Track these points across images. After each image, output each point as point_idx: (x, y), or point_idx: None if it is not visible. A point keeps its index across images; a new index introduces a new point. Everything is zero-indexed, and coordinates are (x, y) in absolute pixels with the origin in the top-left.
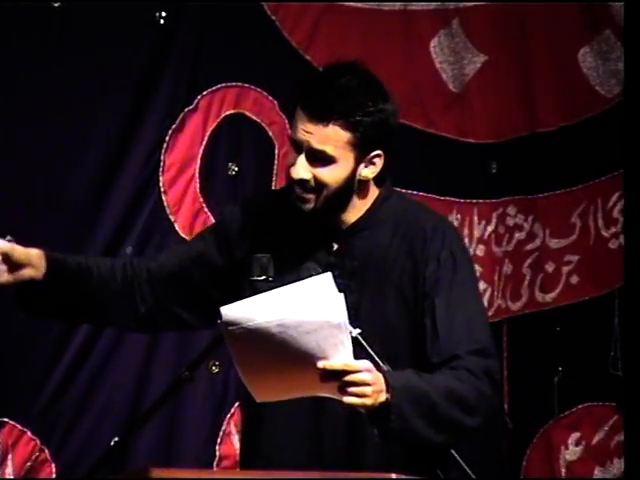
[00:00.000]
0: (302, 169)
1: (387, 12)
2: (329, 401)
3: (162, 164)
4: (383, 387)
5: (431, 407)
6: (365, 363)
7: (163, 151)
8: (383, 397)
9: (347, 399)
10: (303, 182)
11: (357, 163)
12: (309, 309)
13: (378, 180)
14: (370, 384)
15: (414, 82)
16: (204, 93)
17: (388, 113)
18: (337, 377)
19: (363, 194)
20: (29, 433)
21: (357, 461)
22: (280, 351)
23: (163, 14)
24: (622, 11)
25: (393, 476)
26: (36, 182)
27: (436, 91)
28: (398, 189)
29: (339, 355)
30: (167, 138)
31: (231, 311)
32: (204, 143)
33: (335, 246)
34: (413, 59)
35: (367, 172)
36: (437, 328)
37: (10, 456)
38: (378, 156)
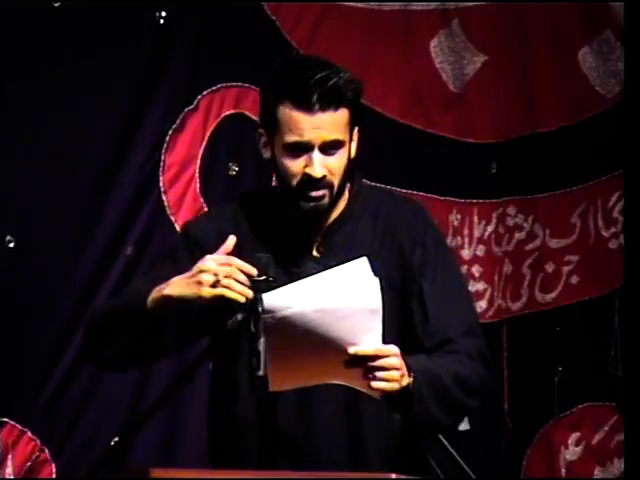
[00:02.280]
0: (320, 167)
1: (387, 12)
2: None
3: (162, 164)
4: (405, 371)
5: (444, 390)
6: (394, 348)
7: (163, 151)
8: (405, 382)
9: (376, 384)
10: (322, 179)
11: (350, 142)
12: (347, 294)
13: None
14: (398, 368)
15: (414, 82)
16: (204, 93)
17: (360, 82)
18: (364, 362)
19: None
20: (29, 433)
21: (355, 463)
22: (313, 337)
23: (163, 14)
24: (622, 11)
25: (393, 476)
26: (36, 182)
27: (436, 91)
28: (398, 189)
29: (369, 340)
30: (167, 138)
31: (272, 298)
32: (204, 143)
33: (317, 243)
34: (413, 59)
35: (353, 150)
36: (427, 312)
37: (10, 456)
38: (358, 131)
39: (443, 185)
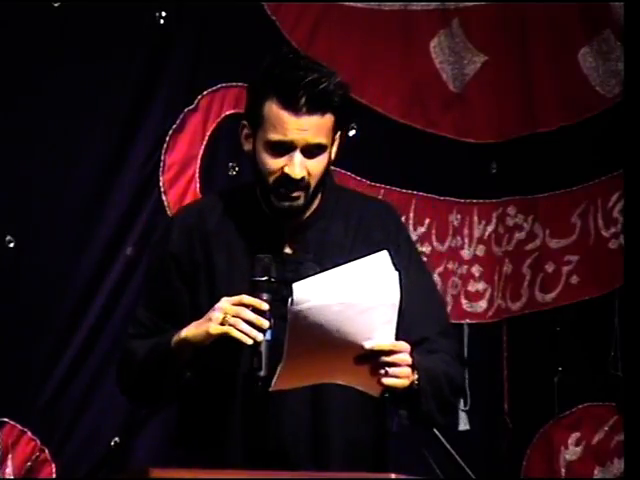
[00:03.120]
0: (300, 168)
1: (387, 12)
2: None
3: (162, 164)
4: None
5: (440, 389)
6: (406, 344)
7: (163, 151)
8: (411, 379)
9: (387, 380)
10: (301, 180)
11: (332, 145)
12: (369, 288)
13: None
14: (410, 365)
15: (414, 82)
16: (204, 93)
17: (348, 87)
18: (376, 358)
19: None
20: (29, 433)
21: (321, 464)
22: (333, 331)
23: (163, 14)
24: (622, 11)
25: (393, 476)
26: (36, 182)
27: (436, 91)
28: (398, 189)
29: (383, 334)
30: (167, 138)
31: (302, 289)
32: (204, 143)
33: (289, 240)
34: (413, 59)
35: (334, 153)
36: (402, 309)
37: (10, 456)
38: (340, 135)
39: (443, 185)
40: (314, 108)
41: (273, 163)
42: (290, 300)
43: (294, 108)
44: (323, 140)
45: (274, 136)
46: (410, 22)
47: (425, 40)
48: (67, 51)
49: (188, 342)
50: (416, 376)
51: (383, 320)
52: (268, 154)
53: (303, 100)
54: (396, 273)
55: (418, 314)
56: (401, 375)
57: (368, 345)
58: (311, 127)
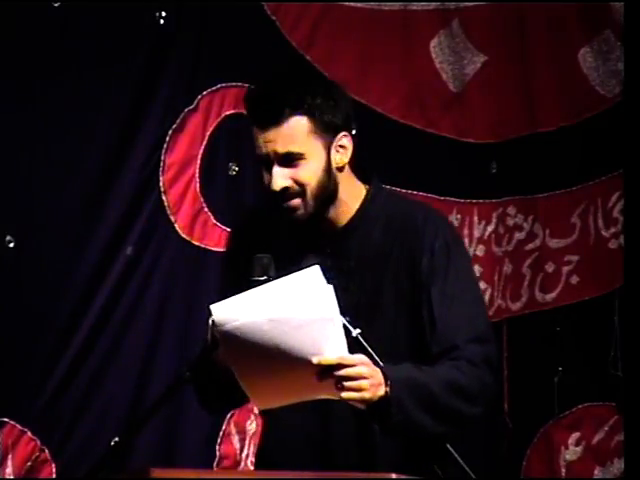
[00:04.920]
0: (280, 178)
1: (387, 12)
2: (335, 404)
3: (162, 164)
4: (382, 380)
5: (431, 398)
6: (360, 357)
7: (163, 151)
8: (382, 391)
9: (345, 394)
10: (286, 191)
11: (328, 151)
12: (299, 303)
13: (365, 177)
14: (367, 377)
15: (414, 82)
16: (204, 93)
17: (334, 88)
18: (333, 373)
19: (350, 191)
20: (29, 433)
21: (368, 463)
22: (273, 349)
23: (163, 14)
24: (622, 11)
25: (393, 476)
26: (36, 182)
27: (436, 91)
28: (398, 189)
29: (332, 349)
30: (167, 138)
31: (221, 309)
32: (204, 143)
33: (329, 248)
34: (413, 59)
35: (340, 157)
36: (434, 318)
37: (10, 456)
38: (345, 137)
39: (443, 185)
40: (275, 118)
41: (265, 179)
42: (211, 322)
43: (259, 123)
44: (295, 147)
45: (256, 152)
46: (410, 22)
47: (425, 40)
48: (67, 51)
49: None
50: (387, 388)
51: (327, 335)
52: (263, 171)
53: (262, 113)
54: (330, 287)
55: (450, 322)
56: (357, 388)
57: (315, 360)
58: (277, 137)
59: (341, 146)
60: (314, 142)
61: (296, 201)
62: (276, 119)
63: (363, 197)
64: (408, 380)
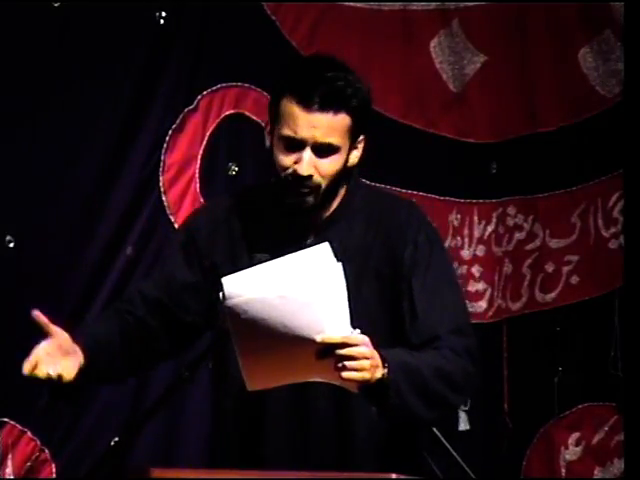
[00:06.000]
0: (309, 166)
1: (387, 12)
2: (317, 400)
3: (162, 164)
4: (379, 362)
5: (423, 383)
6: (362, 336)
7: (163, 151)
8: (379, 373)
9: (345, 374)
10: (308, 178)
11: (350, 150)
12: (308, 279)
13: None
14: (368, 358)
15: (414, 82)
16: (204, 93)
17: (369, 92)
18: (333, 352)
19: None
20: (29, 433)
21: (345, 461)
22: (279, 325)
23: (163, 14)
24: (622, 11)
25: (393, 476)
26: (36, 182)
27: (436, 91)
28: (398, 189)
29: (336, 328)
30: (167, 138)
31: (233, 282)
32: (204, 143)
33: (310, 239)
34: (413, 59)
35: (354, 158)
36: (415, 310)
37: (10, 456)
38: (363, 140)
39: (443, 185)
40: (327, 106)
41: (285, 159)
42: (222, 295)
43: (306, 104)
44: (335, 140)
45: (285, 131)
46: (410, 22)
47: (425, 40)
48: (67, 51)
49: None
50: (384, 370)
51: (332, 313)
52: (281, 150)
53: (316, 97)
54: (339, 264)
55: (430, 313)
56: (359, 368)
57: (319, 338)
58: (322, 125)
59: (356, 147)
60: (346, 139)
61: (309, 190)
62: (332, 107)
63: (344, 190)
64: (403, 364)
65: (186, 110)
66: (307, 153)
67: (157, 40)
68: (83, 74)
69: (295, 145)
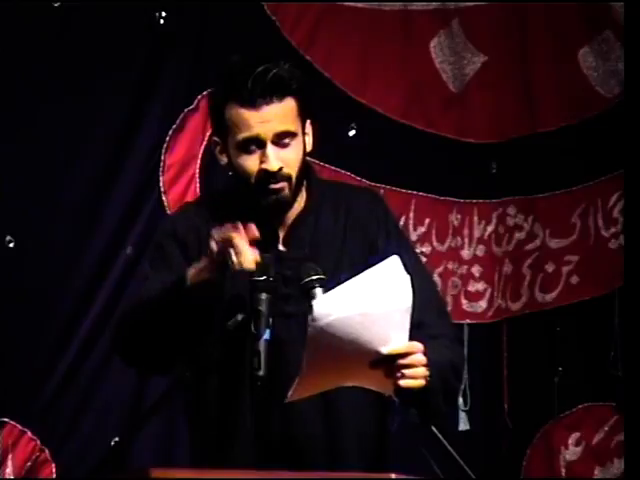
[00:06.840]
0: (275, 160)
1: (387, 12)
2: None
3: (162, 164)
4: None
5: (447, 380)
6: (419, 344)
7: (163, 151)
8: (424, 380)
9: (404, 382)
10: (279, 171)
11: (303, 134)
12: (384, 295)
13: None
14: (425, 365)
15: (414, 82)
16: (204, 93)
17: (302, 75)
18: (391, 361)
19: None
20: (29, 433)
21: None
22: (352, 341)
23: (163, 14)
24: (622, 11)
25: (393, 476)
26: (36, 182)
27: (436, 91)
28: (398, 189)
29: (397, 338)
30: (167, 138)
31: (323, 304)
32: (204, 143)
33: (281, 236)
34: (413, 59)
35: (309, 145)
36: None
37: (10, 456)
38: (311, 123)
39: (443, 185)
40: (270, 96)
41: (249, 163)
42: (310, 317)
43: (251, 103)
44: (290, 127)
45: (241, 135)
46: (410, 22)
47: (425, 40)
48: (67, 51)
49: (200, 272)
50: (428, 373)
51: (397, 325)
52: (242, 156)
53: (257, 92)
54: (407, 277)
55: (414, 299)
56: (417, 376)
57: (385, 350)
58: (273, 116)
59: (307, 133)
60: (299, 124)
61: (282, 184)
62: (275, 96)
63: (305, 186)
64: (436, 364)
65: (186, 110)
66: (269, 148)
67: (157, 40)
68: (83, 74)
69: (255, 145)
